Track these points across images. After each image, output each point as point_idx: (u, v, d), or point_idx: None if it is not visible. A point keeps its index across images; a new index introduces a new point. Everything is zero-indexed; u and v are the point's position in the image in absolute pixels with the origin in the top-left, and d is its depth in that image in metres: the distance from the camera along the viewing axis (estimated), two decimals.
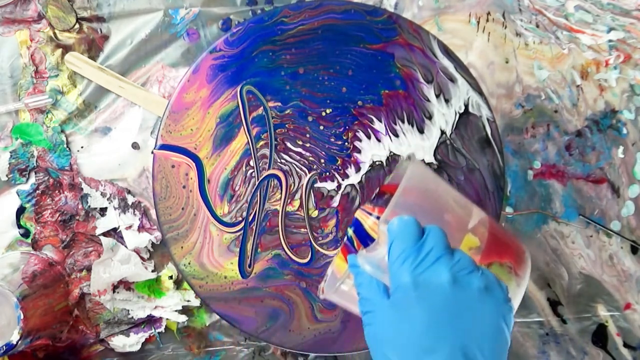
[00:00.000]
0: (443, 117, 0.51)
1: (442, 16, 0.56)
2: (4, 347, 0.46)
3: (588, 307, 0.58)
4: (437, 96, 0.51)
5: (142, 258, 0.54)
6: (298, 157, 0.51)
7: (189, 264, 0.50)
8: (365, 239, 0.41)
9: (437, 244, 0.34)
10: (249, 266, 0.51)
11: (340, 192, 0.51)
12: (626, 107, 0.58)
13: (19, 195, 0.54)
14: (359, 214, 0.43)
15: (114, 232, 0.55)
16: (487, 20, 0.56)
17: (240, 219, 0.51)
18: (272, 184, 0.51)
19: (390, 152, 0.51)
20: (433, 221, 0.35)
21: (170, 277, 0.55)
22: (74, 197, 0.54)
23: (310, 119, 0.51)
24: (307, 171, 0.51)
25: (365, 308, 0.36)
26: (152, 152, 0.50)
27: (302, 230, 0.51)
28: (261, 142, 0.51)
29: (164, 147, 0.50)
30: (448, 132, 0.51)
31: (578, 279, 0.58)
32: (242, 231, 0.51)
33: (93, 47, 0.54)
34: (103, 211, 0.54)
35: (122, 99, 0.54)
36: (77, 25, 0.54)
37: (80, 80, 0.54)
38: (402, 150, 0.51)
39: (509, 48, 0.57)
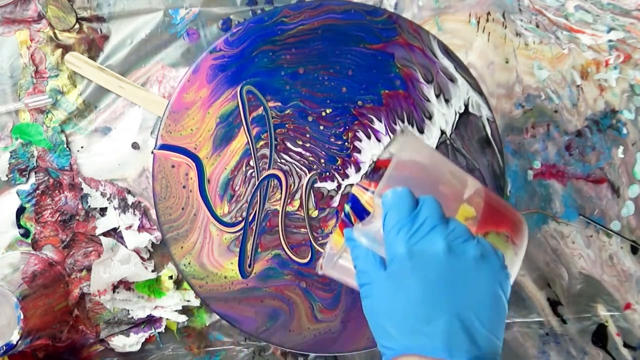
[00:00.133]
0: (443, 117, 0.51)
1: (442, 16, 0.56)
2: (4, 347, 0.46)
3: (588, 307, 0.58)
4: (437, 96, 0.51)
5: (142, 258, 0.54)
6: (298, 157, 0.51)
7: (189, 264, 0.50)
8: (362, 213, 0.40)
9: (431, 214, 0.33)
10: (249, 266, 0.51)
11: (340, 192, 0.51)
12: (626, 107, 0.58)
13: (19, 195, 0.54)
14: (355, 190, 0.42)
15: (114, 232, 0.55)
16: (487, 20, 0.56)
17: (240, 219, 0.51)
18: (272, 184, 0.51)
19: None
20: (428, 192, 0.35)
21: (170, 277, 0.55)
22: (74, 197, 0.54)
23: (310, 119, 0.51)
24: (307, 171, 0.51)
25: (362, 281, 0.35)
26: (152, 152, 0.50)
27: (302, 230, 0.51)
28: (261, 142, 0.51)
29: (164, 147, 0.50)
30: (448, 132, 0.51)
31: (578, 279, 0.58)
32: (242, 231, 0.51)
33: (93, 47, 0.54)
34: (103, 211, 0.54)
35: (122, 99, 0.54)
36: (77, 25, 0.54)
37: (80, 80, 0.54)
38: None
39: (509, 48, 0.57)
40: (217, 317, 0.54)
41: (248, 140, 0.50)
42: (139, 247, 0.54)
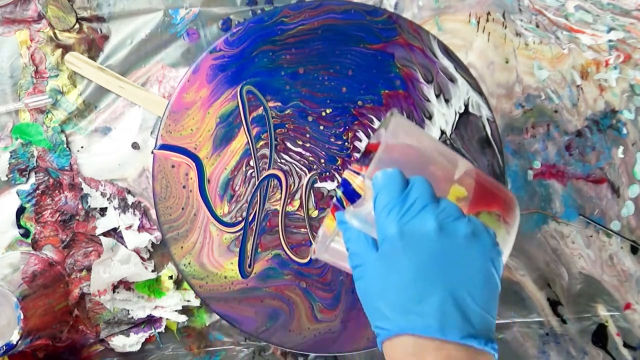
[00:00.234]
0: (443, 117, 0.51)
1: (442, 16, 0.56)
2: (4, 347, 0.46)
3: (588, 307, 0.58)
4: (437, 96, 0.51)
5: (142, 258, 0.54)
6: (298, 157, 0.51)
7: (189, 264, 0.50)
8: (354, 197, 0.40)
9: (422, 194, 0.33)
10: (249, 266, 0.51)
11: None
12: (626, 107, 0.58)
13: (19, 195, 0.54)
14: (347, 174, 0.42)
15: (114, 232, 0.55)
16: (487, 20, 0.56)
17: (240, 219, 0.51)
18: (272, 184, 0.51)
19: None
20: (418, 173, 0.35)
21: (170, 277, 0.55)
22: (74, 197, 0.54)
23: (310, 119, 0.51)
24: (307, 171, 0.51)
25: (354, 262, 0.35)
26: (152, 152, 0.50)
27: (302, 230, 0.51)
28: (261, 142, 0.51)
29: (164, 147, 0.50)
30: (448, 132, 0.51)
31: (578, 279, 0.58)
32: (242, 231, 0.51)
33: (93, 47, 0.54)
34: (103, 211, 0.54)
35: (122, 99, 0.54)
36: (77, 25, 0.54)
37: (80, 80, 0.54)
38: None
39: (509, 48, 0.57)
40: (217, 317, 0.54)
41: (248, 140, 0.50)
42: (139, 247, 0.54)
